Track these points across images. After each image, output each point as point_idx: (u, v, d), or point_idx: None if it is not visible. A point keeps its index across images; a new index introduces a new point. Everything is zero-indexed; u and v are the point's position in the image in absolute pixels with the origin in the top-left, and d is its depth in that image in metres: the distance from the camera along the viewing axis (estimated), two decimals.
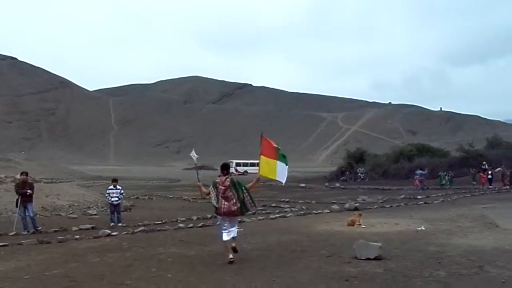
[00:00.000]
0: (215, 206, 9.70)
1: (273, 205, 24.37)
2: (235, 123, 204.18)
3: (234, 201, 9.50)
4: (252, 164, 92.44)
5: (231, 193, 9.53)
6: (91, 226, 15.50)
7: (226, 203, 9.51)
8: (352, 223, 14.38)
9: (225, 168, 9.99)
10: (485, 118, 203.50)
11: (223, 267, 9.06)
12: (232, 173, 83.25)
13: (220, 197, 9.55)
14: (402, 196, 27.87)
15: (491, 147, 52.29)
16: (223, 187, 9.58)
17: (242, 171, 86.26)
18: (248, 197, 9.65)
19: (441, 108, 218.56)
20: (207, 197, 10.11)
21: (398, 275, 8.04)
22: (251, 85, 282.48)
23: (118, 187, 17.09)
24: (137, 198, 30.20)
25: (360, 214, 14.94)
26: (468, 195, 28.36)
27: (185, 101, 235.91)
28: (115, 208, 16.75)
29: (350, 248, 10.25)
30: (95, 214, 20.61)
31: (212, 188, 9.73)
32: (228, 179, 9.64)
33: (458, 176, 42.28)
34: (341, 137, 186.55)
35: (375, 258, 9.28)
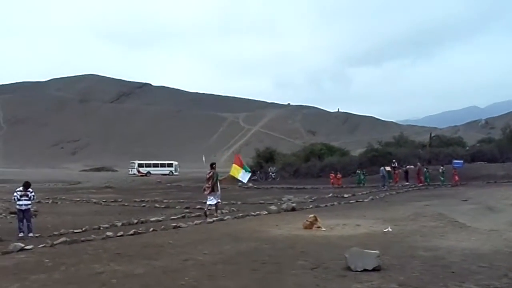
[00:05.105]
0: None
1: (198, 207, 22.28)
2: (134, 123, 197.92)
3: (213, 184, 17.92)
4: (155, 165, 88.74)
5: (211, 180, 17.92)
6: None
7: (207, 185, 18.12)
8: (310, 226, 12.73)
9: (212, 164, 18.85)
10: (379, 119, 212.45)
11: None
12: (134, 174, 77.88)
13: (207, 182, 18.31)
14: (330, 195, 26.78)
15: (399, 145, 53.10)
16: (208, 176, 18.26)
17: (145, 172, 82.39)
18: (218, 182, 18.39)
19: (338, 109, 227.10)
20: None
21: None
22: (150, 84, 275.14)
23: (29, 189, 14.24)
24: (39, 202, 26.67)
25: (315, 217, 13.21)
26: (394, 193, 27.82)
27: (81, 100, 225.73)
28: (23, 214, 13.85)
29: (330, 255, 8.72)
30: None
31: (207, 177, 18.47)
32: (211, 172, 18.18)
33: (370, 174, 42.27)
34: (243, 137, 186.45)
35: (374, 269, 7.69)
